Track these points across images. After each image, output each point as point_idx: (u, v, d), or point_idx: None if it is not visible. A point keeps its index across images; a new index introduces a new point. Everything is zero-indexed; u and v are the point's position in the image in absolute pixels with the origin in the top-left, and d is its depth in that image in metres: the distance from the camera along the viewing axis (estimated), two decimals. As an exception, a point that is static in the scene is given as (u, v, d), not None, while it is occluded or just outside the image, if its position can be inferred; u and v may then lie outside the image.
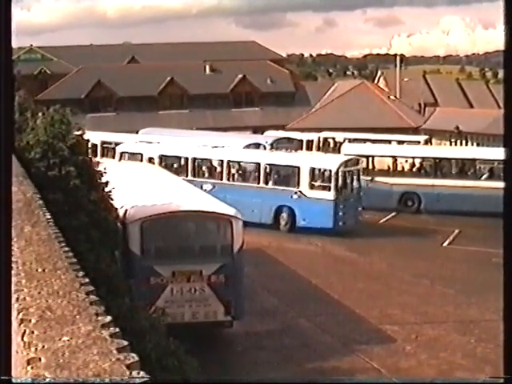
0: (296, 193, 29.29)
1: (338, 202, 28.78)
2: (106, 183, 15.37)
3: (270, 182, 30.11)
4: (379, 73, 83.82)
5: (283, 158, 31.22)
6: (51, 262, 5.74)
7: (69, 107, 16.78)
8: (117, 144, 38.71)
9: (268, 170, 30.31)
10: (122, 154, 33.42)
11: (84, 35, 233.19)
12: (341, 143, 42.10)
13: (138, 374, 3.32)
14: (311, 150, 44.81)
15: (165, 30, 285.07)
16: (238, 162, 31.64)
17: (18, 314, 4.26)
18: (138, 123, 48.28)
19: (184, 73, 62.09)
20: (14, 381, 4.01)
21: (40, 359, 3.45)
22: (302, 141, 46.19)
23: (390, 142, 42.61)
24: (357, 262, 25.70)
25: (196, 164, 31.96)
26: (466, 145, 50.47)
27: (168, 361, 10.60)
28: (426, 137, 46.81)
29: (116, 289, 11.71)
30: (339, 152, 39.22)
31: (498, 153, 29.21)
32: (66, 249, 6.46)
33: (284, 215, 29.62)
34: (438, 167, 34.73)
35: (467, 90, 77.31)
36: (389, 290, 22.36)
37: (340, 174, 28.98)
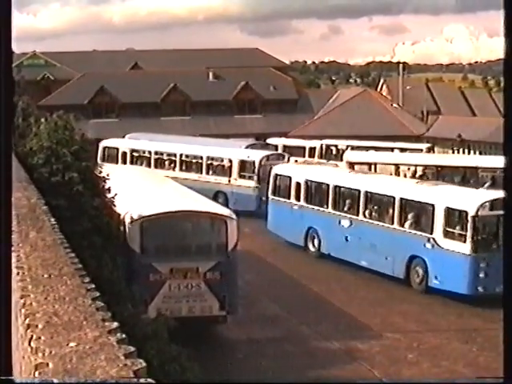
0: (429, 240, 22.38)
1: (479, 258, 21.20)
2: (109, 189, 15.49)
3: (406, 224, 23.44)
4: (382, 80, 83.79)
5: (419, 191, 23.92)
6: (57, 268, 5.77)
7: (72, 113, 16.91)
8: (144, 152, 39.42)
9: (403, 208, 23.67)
10: (276, 175, 29.64)
11: (89, 41, 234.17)
12: (343, 151, 42.13)
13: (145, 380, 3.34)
14: (313, 157, 44.79)
15: (170, 37, 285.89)
16: (373, 194, 25.05)
17: (25, 319, 4.28)
18: (140, 129, 48.25)
19: (187, 79, 62.11)
20: (17, 381, 4.02)
21: (48, 364, 3.47)
22: (304, 148, 46.27)
23: (392, 149, 42.60)
24: (357, 269, 25.65)
25: (337, 193, 26.42)
26: (469, 153, 50.42)
27: (170, 367, 10.66)
28: (429, 145, 46.77)
29: (118, 295, 11.75)
30: (341, 159, 39.27)
31: (500, 161, 28.85)
32: (72, 255, 6.48)
33: (419, 269, 22.75)
34: (440, 175, 34.68)
35: (470, 99, 77.27)
36: (391, 299, 22.34)
37: (483, 218, 21.40)
